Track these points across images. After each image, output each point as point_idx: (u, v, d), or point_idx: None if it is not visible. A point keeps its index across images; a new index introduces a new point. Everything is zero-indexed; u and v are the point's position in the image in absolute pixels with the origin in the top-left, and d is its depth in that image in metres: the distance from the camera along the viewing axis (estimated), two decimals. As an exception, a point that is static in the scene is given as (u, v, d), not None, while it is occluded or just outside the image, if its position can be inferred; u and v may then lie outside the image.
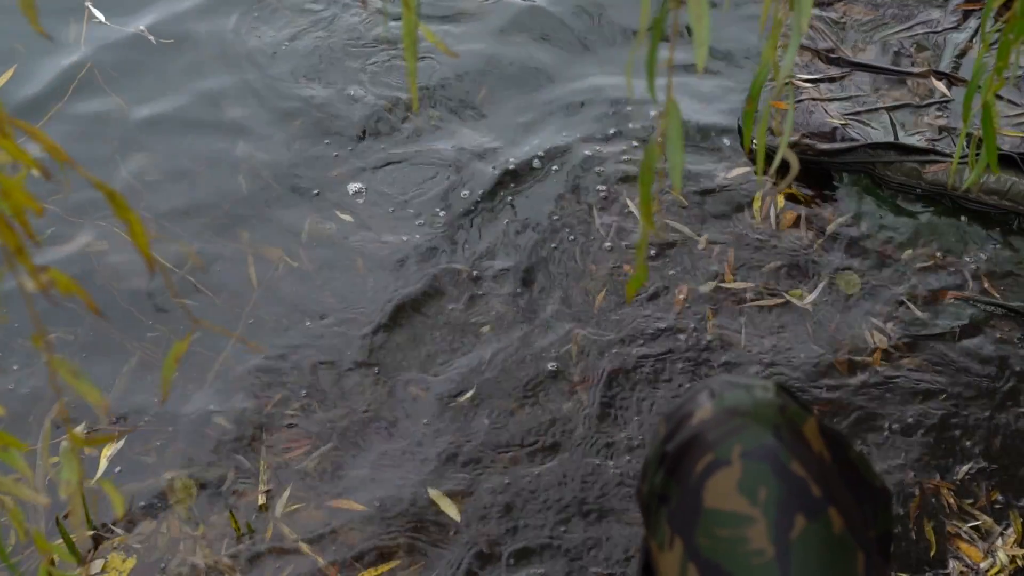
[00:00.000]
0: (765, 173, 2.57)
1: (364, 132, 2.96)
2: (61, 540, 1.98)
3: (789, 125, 0.91)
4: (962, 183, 2.59)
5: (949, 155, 2.70)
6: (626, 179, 2.82)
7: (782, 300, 2.51)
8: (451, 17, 3.36)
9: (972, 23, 3.13)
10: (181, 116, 2.99)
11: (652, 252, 2.62)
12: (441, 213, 2.72)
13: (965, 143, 2.41)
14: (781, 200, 2.74)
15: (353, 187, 2.79)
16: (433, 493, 2.12)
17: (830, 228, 2.69)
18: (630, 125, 2.97)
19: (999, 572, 2.01)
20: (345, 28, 3.30)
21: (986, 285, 2.55)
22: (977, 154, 1.52)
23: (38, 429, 2.17)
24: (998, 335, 2.44)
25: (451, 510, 2.09)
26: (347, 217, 2.71)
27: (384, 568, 2.00)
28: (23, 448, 0.78)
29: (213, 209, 2.72)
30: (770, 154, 2.41)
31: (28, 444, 2.10)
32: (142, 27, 3.23)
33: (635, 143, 2.93)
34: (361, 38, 3.27)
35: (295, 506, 2.11)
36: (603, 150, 2.90)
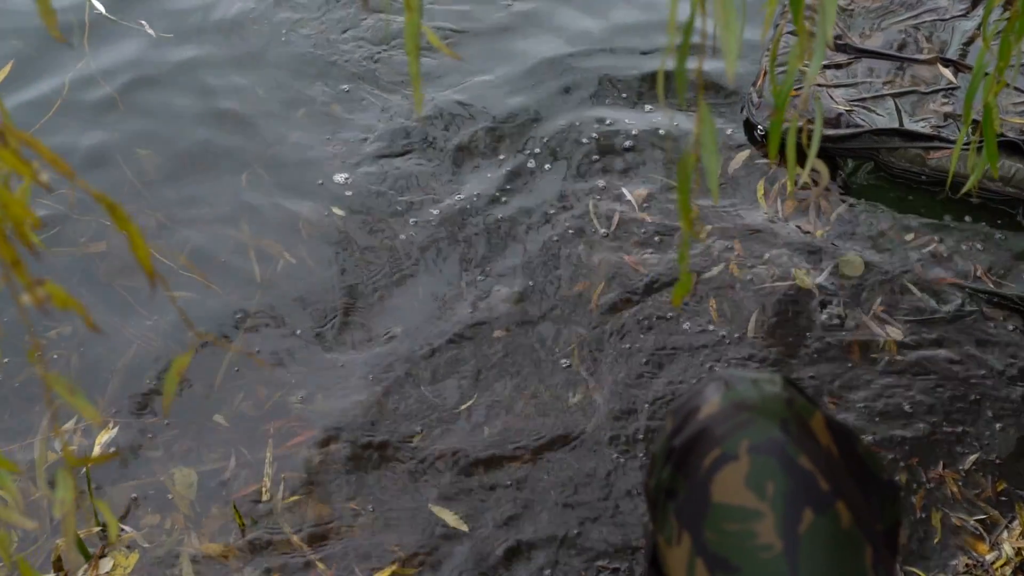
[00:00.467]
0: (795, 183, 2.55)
1: (364, 127, 2.95)
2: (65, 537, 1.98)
3: (817, 136, 0.90)
4: (967, 170, 2.57)
5: (954, 142, 2.69)
6: (623, 171, 2.81)
7: (788, 284, 2.49)
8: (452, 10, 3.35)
9: (980, 11, 3.11)
10: (180, 111, 2.98)
11: (657, 240, 2.61)
12: (435, 211, 2.70)
13: (969, 132, 2.40)
14: (790, 187, 2.72)
15: (350, 181, 2.78)
16: (435, 508, 2.09)
17: (834, 214, 2.68)
18: (627, 120, 2.96)
19: (1005, 564, 2.00)
20: (345, 24, 3.29)
21: (981, 274, 2.53)
22: (979, 142, 1.51)
23: (34, 433, 2.17)
24: (1001, 325, 2.43)
25: (452, 518, 2.07)
26: (345, 212, 2.70)
27: (382, 574, 1.99)
28: (15, 470, 0.77)
29: (213, 203, 2.72)
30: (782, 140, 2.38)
31: (23, 450, 2.10)
32: (142, 21, 3.23)
33: (634, 132, 2.91)
34: (361, 34, 3.26)
35: (295, 498, 2.11)
36: (601, 145, 2.88)
